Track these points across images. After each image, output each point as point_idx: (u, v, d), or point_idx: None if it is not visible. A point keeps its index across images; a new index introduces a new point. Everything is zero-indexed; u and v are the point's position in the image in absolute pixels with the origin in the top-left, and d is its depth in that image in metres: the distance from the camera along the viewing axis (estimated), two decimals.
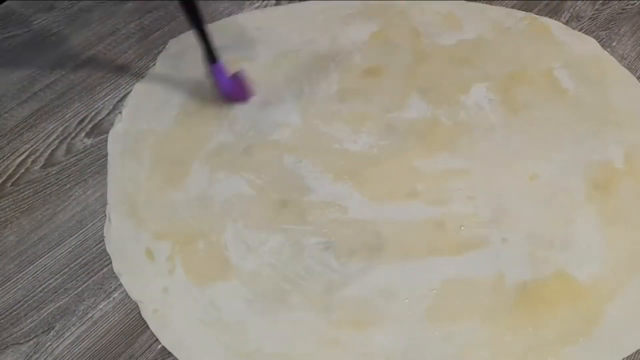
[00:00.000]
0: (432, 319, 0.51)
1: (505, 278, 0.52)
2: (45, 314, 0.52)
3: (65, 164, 0.62)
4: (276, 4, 0.75)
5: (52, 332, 0.51)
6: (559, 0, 0.73)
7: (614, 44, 0.69)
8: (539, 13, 0.72)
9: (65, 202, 0.59)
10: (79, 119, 0.65)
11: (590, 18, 0.72)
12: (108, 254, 0.55)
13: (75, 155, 0.62)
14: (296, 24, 0.72)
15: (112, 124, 0.64)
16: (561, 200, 0.57)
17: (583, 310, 0.51)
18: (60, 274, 0.55)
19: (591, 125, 0.62)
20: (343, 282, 0.53)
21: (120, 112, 0.65)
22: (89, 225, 0.57)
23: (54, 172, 0.61)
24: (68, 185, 0.60)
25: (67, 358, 0.50)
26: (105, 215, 0.58)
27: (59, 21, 0.74)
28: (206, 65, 0.61)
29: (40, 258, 0.55)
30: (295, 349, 0.50)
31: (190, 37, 0.63)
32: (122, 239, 0.56)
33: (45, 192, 0.60)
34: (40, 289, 0.54)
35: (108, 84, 0.68)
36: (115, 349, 0.50)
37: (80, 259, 0.55)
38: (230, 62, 0.63)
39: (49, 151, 0.63)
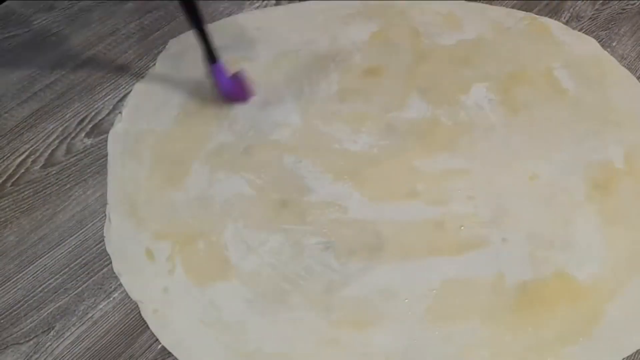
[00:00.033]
0: (432, 319, 0.51)
1: (505, 278, 0.52)
2: (45, 314, 0.52)
3: (65, 164, 0.62)
4: (276, 4, 0.74)
5: (52, 332, 0.51)
6: (559, 0, 0.73)
7: (614, 44, 0.69)
8: (539, 13, 0.72)
9: (65, 202, 0.59)
10: (79, 119, 0.65)
11: (590, 18, 0.72)
12: (108, 254, 0.55)
13: (75, 155, 0.62)
14: (296, 24, 0.72)
15: (112, 124, 0.64)
16: (561, 200, 0.57)
17: (583, 310, 0.51)
18: (60, 274, 0.55)
19: (591, 125, 0.62)
20: (343, 282, 0.53)
21: (120, 112, 0.65)
22: (89, 225, 0.57)
23: (54, 172, 0.61)
24: (68, 185, 0.60)
25: (67, 358, 0.50)
26: (105, 215, 0.58)
27: (59, 21, 0.74)
28: (206, 65, 0.61)
29: (40, 258, 0.55)
30: (295, 349, 0.50)
31: (190, 37, 0.63)
32: (122, 239, 0.56)
33: (45, 192, 0.60)
34: (40, 289, 0.54)
35: (108, 84, 0.68)
36: (115, 349, 0.50)
37: (80, 259, 0.55)
38: (230, 62, 0.63)
39: (49, 151, 0.63)
